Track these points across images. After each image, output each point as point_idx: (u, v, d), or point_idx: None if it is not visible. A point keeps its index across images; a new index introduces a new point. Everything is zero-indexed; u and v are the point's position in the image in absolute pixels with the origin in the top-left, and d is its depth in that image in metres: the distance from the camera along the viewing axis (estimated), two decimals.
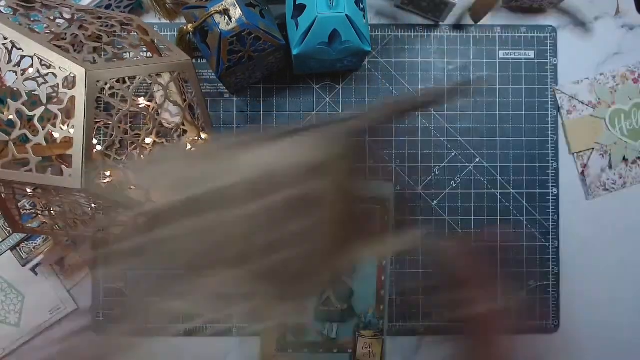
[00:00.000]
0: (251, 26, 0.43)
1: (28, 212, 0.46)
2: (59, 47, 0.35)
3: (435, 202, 0.53)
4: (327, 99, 0.54)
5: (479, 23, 0.54)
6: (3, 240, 0.51)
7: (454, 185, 0.54)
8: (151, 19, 0.54)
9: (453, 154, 0.54)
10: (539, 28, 0.55)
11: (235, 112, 0.54)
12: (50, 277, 0.53)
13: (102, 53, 0.53)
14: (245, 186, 0.26)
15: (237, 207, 0.25)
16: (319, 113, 0.54)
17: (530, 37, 0.55)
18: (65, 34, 0.38)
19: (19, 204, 0.42)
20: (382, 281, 0.48)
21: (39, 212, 0.45)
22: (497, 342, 0.32)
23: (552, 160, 0.54)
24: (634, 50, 0.55)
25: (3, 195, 0.40)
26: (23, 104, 0.33)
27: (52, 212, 0.43)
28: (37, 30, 0.41)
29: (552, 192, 0.54)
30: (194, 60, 0.53)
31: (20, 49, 0.33)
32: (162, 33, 0.54)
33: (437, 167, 0.53)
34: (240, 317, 0.42)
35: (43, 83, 0.45)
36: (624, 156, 0.54)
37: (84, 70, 0.32)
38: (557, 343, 0.54)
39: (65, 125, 0.47)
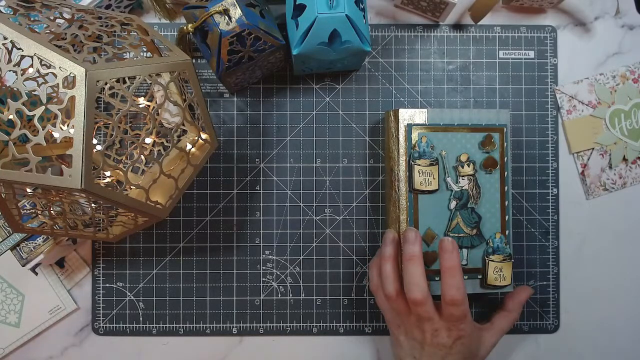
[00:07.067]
0: (251, 26, 0.43)
1: (28, 212, 0.46)
2: (59, 47, 0.35)
3: None
4: (327, 99, 0.54)
5: (479, 23, 0.54)
6: (3, 240, 0.51)
7: None
8: (151, 19, 0.54)
9: None
10: (539, 28, 0.55)
11: (235, 112, 0.54)
12: (50, 277, 0.53)
13: (102, 53, 0.53)
14: None
15: None
16: (319, 113, 0.54)
17: (530, 37, 0.55)
18: (65, 34, 0.38)
19: (19, 204, 0.42)
20: (506, 206, 0.49)
21: (39, 212, 0.45)
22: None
23: (552, 160, 0.54)
24: (634, 50, 0.55)
25: (3, 195, 0.40)
26: (23, 104, 0.33)
27: (52, 212, 0.43)
28: (37, 30, 0.41)
29: (552, 192, 0.54)
30: (194, 60, 0.53)
31: (20, 49, 0.33)
32: (162, 33, 0.54)
33: None
34: None
35: (43, 83, 0.45)
36: (624, 156, 0.54)
37: (84, 70, 0.32)
38: (557, 343, 0.54)
39: (65, 125, 0.47)
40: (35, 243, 0.50)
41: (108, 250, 0.53)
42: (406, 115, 0.49)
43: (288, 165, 0.54)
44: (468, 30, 0.55)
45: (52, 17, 0.41)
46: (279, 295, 0.54)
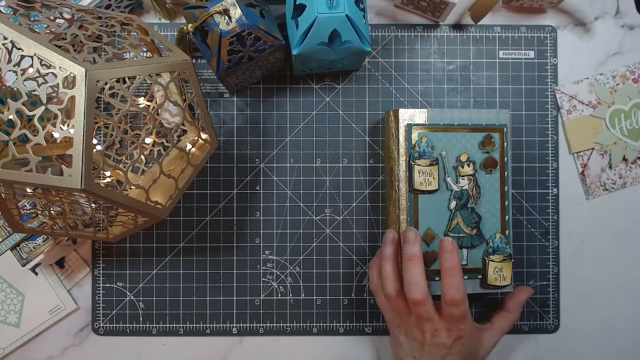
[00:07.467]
0: (251, 26, 0.43)
1: (28, 212, 0.46)
2: (59, 47, 0.35)
3: None
4: (327, 99, 0.54)
5: (479, 23, 0.54)
6: (3, 240, 0.51)
7: None
8: (151, 19, 0.54)
9: None
10: (539, 28, 0.55)
11: (235, 112, 0.54)
12: (50, 277, 0.53)
13: (102, 53, 0.53)
14: None
15: None
16: (319, 113, 0.54)
17: (530, 37, 0.55)
18: (65, 34, 0.38)
19: (19, 204, 0.42)
20: (506, 206, 0.49)
21: (39, 212, 0.45)
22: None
23: (552, 160, 0.54)
24: (634, 50, 0.55)
25: (3, 195, 0.40)
26: (23, 104, 0.33)
27: (52, 212, 0.43)
28: (37, 30, 0.41)
29: (552, 192, 0.54)
30: (194, 60, 0.53)
31: (20, 49, 0.33)
32: (162, 33, 0.54)
33: None
34: None
35: (43, 83, 0.45)
36: (624, 156, 0.54)
37: (84, 70, 0.32)
38: (557, 343, 0.54)
39: (65, 125, 0.47)
40: (35, 243, 0.50)
41: (108, 250, 0.53)
42: (406, 115, 0.49)
43: (288, 165, 0.54)
44: (468, 30, 0.55)
45: (52, 17, 0.41)
46: (279, 295, 0.54)
